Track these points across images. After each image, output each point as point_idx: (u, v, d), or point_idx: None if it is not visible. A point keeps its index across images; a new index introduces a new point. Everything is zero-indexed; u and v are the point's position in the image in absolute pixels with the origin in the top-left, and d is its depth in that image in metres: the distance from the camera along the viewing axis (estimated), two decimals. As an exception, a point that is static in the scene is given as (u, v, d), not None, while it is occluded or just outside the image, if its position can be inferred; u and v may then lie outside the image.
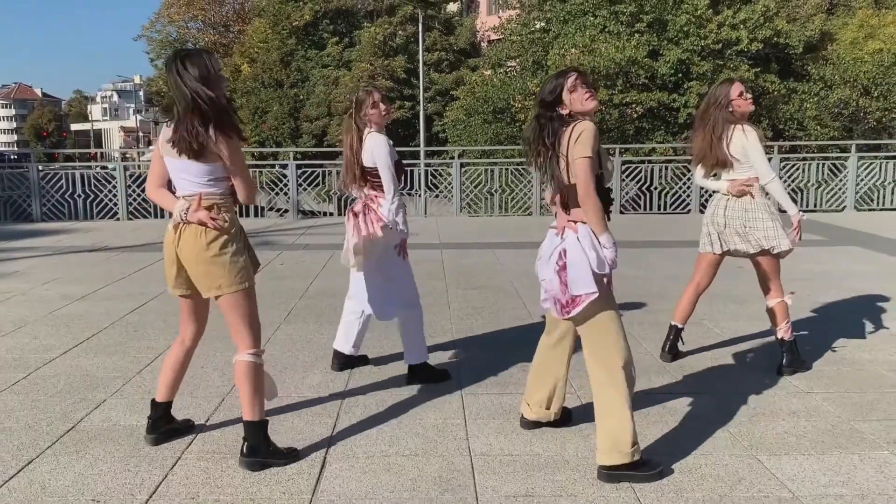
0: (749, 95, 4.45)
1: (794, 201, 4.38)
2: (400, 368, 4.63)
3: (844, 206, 13.78)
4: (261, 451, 3.29)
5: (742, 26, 19.25)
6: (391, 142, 4.28)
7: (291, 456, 3.37)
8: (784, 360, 4.58)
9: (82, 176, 13.42)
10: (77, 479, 3.20)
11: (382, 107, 4.28)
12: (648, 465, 3.20)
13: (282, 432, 3.67)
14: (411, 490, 3.10)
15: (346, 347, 4.63)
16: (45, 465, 3.34)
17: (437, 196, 14.22)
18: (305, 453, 3.44)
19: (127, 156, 32.89)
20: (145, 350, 5.11)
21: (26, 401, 4.15)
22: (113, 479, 3.19)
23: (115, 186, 13.21)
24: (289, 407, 4.04)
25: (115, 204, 13.23)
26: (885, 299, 6.47)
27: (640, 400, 4.12)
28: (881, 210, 13.76)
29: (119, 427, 3.77)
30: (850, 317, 5.91)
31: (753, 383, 4.39)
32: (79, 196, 13.21)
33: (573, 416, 3.79)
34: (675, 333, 4.84)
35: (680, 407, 4.03)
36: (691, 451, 3.47)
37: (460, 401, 4.13)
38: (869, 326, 5.63)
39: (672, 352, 4.83)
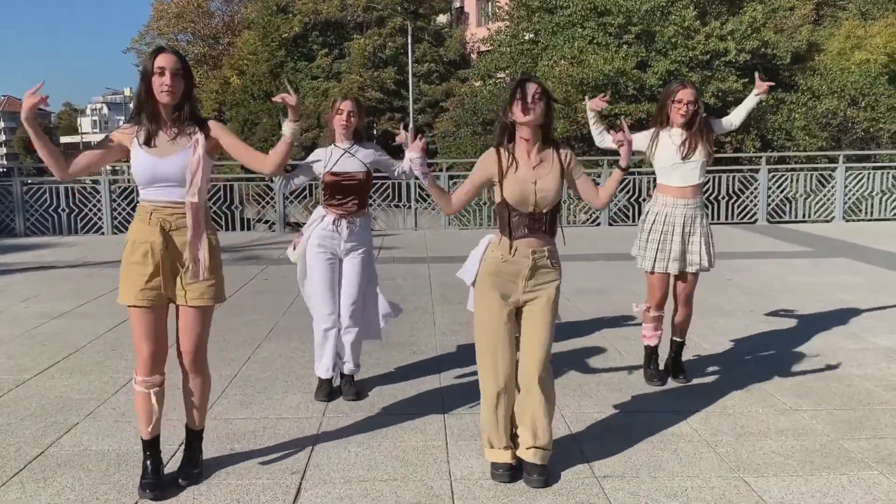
0: (685, 107, 4.42)
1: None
2: (383, 390, 4.55)
3: (833, 217, 13.78)
4: None
5: (730, 37, 19.31)
6: (328, 152, 4.36)
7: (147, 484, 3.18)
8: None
9: (66, 190, 13.27)
10: (43, 508, 3.10)
11: (343, 115, 4.32)
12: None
13: (257, 456, 3.57)
14: (388, 517, 3.01)
15: (326, 372, 4.40)
16: (11, 494, 3.22)
17: (425, 208, 14.14)
18: (280, 479, 3.34)
19: (117, 169, 32.72)
20: (122, 370, 4.99)
21: (-4, 425, 4.04)
22: (80, 509, 3.09)
23: (99, 200, 13.09)
24: (265, 429, 3.93)
25: (100, 218, 13.11)
26: (874, 312, 6.42)
27: (625, 418, 4.05)
28: (869, 220, 13.76)
29: (90, 452, 3.66)
30: (839, 330, 5.85)
31: (741, 400, 4.32)
32: (63, 210, 13.08)
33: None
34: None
35: (666, 426, 3.94)
36: (677, 473, 3.39)
37: (442, 421, 4.03)
38: (858, 340, 5.57)
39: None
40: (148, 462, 3.22)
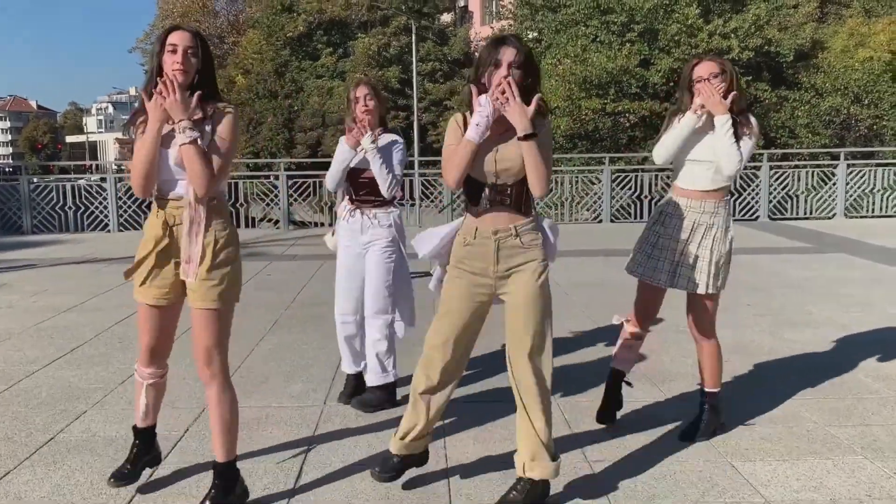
0: (718, 81, 3.46)
1: None
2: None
3: (834, 214, 13.85)
4: None
5: (733, 35, 19.39)
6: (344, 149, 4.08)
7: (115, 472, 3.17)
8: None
9: (73, 188, 13.43)
10: (53, 490, 3.21)
11: (361, 102, 4.06)
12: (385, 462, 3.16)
13: (260, 441, 3.69)
14: (385, 498, 3.11)
15: (349, 367, 4.33)
16: (22, 477, 3.34)
17: (429, 206, 14.26)
18: (281, 462, 3.45)
19: (122, 167, 32.86)
20: (129, 361, 5.10)
21: (6, 413, 4.15)
22: (89, 490, 3.20)
23: (105, 198, 13.23)
24: (268, 416, 4.05)
25: (106, 216, 13.25)
26: (868, 306, 6.51)
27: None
28: (870, 217, 13.83)
29: (98, 438, 3.78)
30: (833, 323, 5.94)
31: (734, 390, 4.40)
32: (69, 208, 13.23)
33: None
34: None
35: (659, 414, 4.05)
36: (667, 456, 3.49)
37: (440, 409, 4.13)
38: (849, 333, 5.66)
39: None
40: (133, 450, 3.17)
